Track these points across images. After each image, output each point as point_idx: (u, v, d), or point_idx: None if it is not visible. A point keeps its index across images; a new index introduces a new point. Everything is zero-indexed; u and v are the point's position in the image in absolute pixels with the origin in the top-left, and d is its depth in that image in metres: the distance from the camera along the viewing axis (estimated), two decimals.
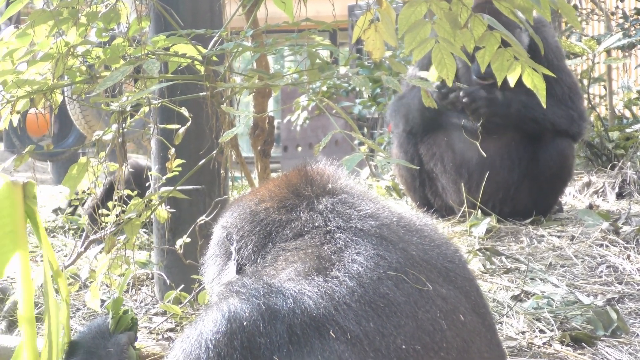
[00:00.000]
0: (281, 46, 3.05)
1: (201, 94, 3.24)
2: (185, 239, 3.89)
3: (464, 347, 2.20)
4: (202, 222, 3.86)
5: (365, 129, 10.45)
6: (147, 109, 3.51)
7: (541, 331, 3.78)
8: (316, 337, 2.03)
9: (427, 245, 2.34)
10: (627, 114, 9.14)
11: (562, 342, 3.66)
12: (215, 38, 3.14)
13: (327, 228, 2.30)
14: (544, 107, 3.39)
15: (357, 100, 9.46)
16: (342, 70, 9.76)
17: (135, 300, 4.31)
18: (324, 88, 8.60)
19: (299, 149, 14.48)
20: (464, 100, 5.62)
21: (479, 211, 5.59)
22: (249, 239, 2.43)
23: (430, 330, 2.14)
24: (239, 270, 2.41)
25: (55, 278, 2.50)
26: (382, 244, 2.23)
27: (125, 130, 3.48)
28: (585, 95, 8.11)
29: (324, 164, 2.58)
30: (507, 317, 3.89)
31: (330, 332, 2.04)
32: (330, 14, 3.53)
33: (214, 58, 3.18)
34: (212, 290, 2.59)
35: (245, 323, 2.04)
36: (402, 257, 2.22)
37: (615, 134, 7.47)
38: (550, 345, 3.63)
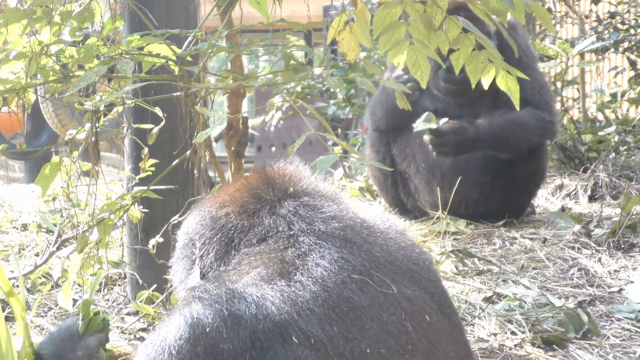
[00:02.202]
0: (256, 47, 3.04)
1: (175, 94, 3.24)
2: (158, 238, 3.88)
3: (430, 348, 2.20)
4: (175, 222, 3.85)
5: (340, 130, 10.45)
6: (120, 108, 3.50)
7: (513, 333, 3.79)
8: (279, 342, 2.03)
9: (392, 247, 2.34)
10: (600, 117, 9.19)
11: (533, 344, 3.68)
12: (189, 38, 3.13)
13: (291, 232, 2.29)
14: (518, 109, 3.40)
15: (331, 101, 9.46)
16: (317, 70, 9.77)
17: (108, 300, 4.29)
18: (299, 89, 8.59)
19: (273, 148, 14.47)
20: (429, 143, 5.61)
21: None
22: (211, 246, 2.42)
23: (395, 332, 2.14)
24: (203, 276, 2.40)
25: (8, 298, 2.49)
26: (346, 247, 2.23)
27: (98, 129, 3.47)
28: (559, 98, 8.14)
29: (284, 165, 2.57)
30: (479, 318, 3.91)
31: (293, 338, 2.04)
32: (305, 14, 3.53)
33: (189, 58, 3.17)
34: (179, 295, 2.59)
35: (208, 329, 2.03)
36: (367, 259, 2.22)
37: (588, 137, 7.50)
38: (522, 347, 3.65)
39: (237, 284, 2.14)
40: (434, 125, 5.48)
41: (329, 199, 2.44)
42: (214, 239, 2.41)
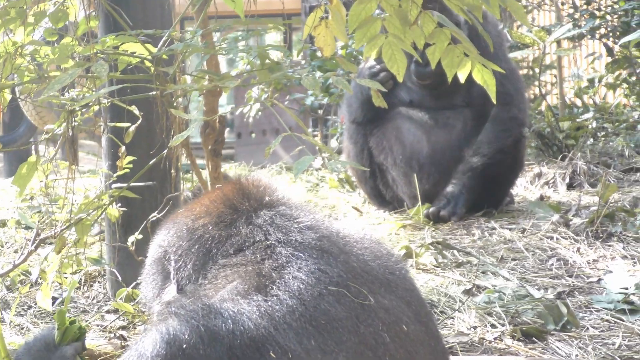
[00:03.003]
0: (232, 49, 3.03)
1: (151, 93, 3.22)
2: (137, 235, 3.87)
3: (407, 358, 2.20)
4: (154, 218, 3.85)
5: (318, 120, 10.44)
6: (96, 107, 3.48)
7: (492, 326, 3.80)
8: (256, 357, 2.02)
9: (368, 257, 2.34)
10: (578, 102, 9.22)
11: (513, 337, 3.69)
12: (164, 38, 3.12)
13: (268, 242, 2.29)
14: (494, 102, 3.40)
15: (309, 92, 9.45)
16: (296, 60, 9.75)
17: (87, 297, 4.28)
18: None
19: (253, 135, 14.44)
20: (435, 213, 5.66)
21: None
22: (188, 257, 2.41)
23: (373, 344, 2.14)
24: (180, 289, 2.39)
25: None
26: (323, 257, 2.22)
27: (76, 124, 3.45)
28: (537, 83, 8.16)
29: (258, 176, 2.57)
30: (458, 312, 3.91)
31: (271, 353, 2.03)
32: (283, 1, 3.52)
33: (164, 56, 3.16)
34: (152, 310, 2.56)
35: (184, 346, 2.02)
36: (344, 270, 2.22)
37: (566, 124, 7.53)
38: (502, 340, 3.66)
39: (214, 298, 2.13)
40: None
41: (304, 209, 2.44)
42: (192, 250, 2.40)
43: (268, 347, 2.03)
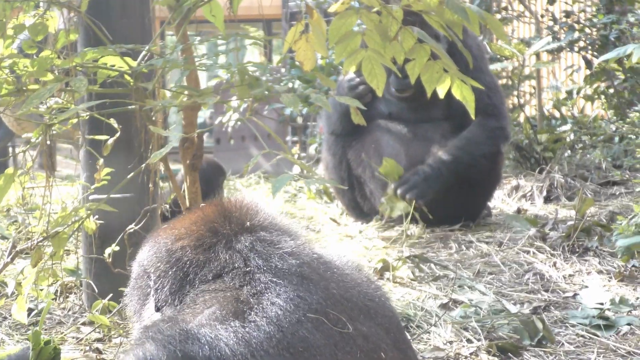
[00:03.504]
0: (212, 65, 3.04)
1: (130, 106, 3.22)
2: (114, 247, 3.86)
3: None
4: (131, 230, 3.84)
5: (297, 129, 10.45)
6: (75, 120, 3.47)
7: (468, 341, 3.81)
8: None
9: (348, 284, 2.33)
10: (557, 114, 9.25)
11: (488, 352, 3.69)
12: (143, 52, 3.12)
13: (247, 269, 2.28)
14: (473, 118, 3.42)
15: None
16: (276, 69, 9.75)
17: (63, 309, 4.27)
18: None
19: (232, 141, 14.42)
20: (401, 195, 5.63)
21: (409, 217, 5.62)
22: (166, 279, 2.40)
23: None
24: (158, 309, 2.39)
25: None
26: (303, 284, 2.22)
27: (54, 132, 3.44)
28: (515, 93, 8.19)
29: (241, 198, 2.56)
30: (435, 326, 3.92)
31: None
32: (264, 4, 3.52)
33: (144, 70, 3.16)
34: (134, 327, 2.57)
35: None
36: (323, 296, 2.21)
37: (544, 137, 7.56)
38: (477, 356, 3.67)
39: (191, 324, 2.13)
40: None
41: (286, 234, 2.42)
42: (169, 273, 2.40)
43: None
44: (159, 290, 2.40)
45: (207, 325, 2.10)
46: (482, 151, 5.80)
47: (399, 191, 5.62)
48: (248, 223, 2.42)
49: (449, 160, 5.72)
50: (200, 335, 2.06)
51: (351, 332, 2.18)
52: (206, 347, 2.04)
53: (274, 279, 2.22)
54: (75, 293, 4.43)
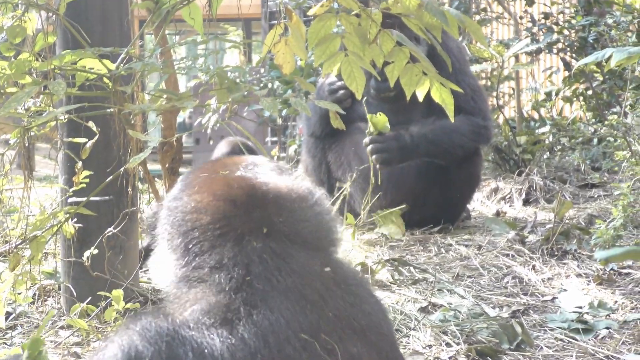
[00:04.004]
0: (191, 68, 3.03)
1: (109, 109, 3.21)
2: (93, 250, 3.85)
3: None
4: (110, 233, 3.83)
5: (277, 130, 10.44)
6: (53, 123, 3.46)
7: (448, 344, 3.81)
8: None
9: (349, 301, 2.28)
10: (536, 116, 9.27)
11: (467, 356, 3.70)
12: (122, 55, 3.10)
13: (248, 277, 2.21)
14: (452, 121, 3.42)
15: None
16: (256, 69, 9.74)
17: (42, 312, 4.24)
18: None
19: (211, 142, 14.42)
20: (371, 152, 5.59)
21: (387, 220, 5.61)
22: (175, 246, 2.34)
23: None
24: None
25: None
26: (299, 302, 2.18)
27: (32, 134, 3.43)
28: (494, 94, 8.21)
29: (274, 184, 2.40)
30: (414, 330, 3.92)
31: None
32: (244, 4, 3.51)
33: (123, 72, 3.15)
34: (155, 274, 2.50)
35: None
36: (317, 317, 2.17)
37: (522, 139, 7.57)
38: None
39: (180, 323, 2.10)
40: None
41: (306, 244, 2.32)
42: (175, 242, 2.35)
43: None
44: (170, 252, 2.37)
45: (195, 329, 2.08)
46: (463, 142, 5.77)
47: (370, 147, 5.58)
48: (265, 229, 2.30)
49: (430, 139, 5.69)
50: (187, 339, 2.05)
51: (339, 354, 2.16)
52: (190, 353, 2.03)
53: (272, 293, 2.18)
54: (53, 296, 4.41)
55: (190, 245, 2.32)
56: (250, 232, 2.29)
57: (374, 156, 5.54)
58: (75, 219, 3.78)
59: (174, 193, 2.47)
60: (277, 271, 2.22)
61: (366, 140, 5.60)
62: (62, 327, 4.04)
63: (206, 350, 2.04)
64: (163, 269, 2.38)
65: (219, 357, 2.04)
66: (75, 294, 4.07)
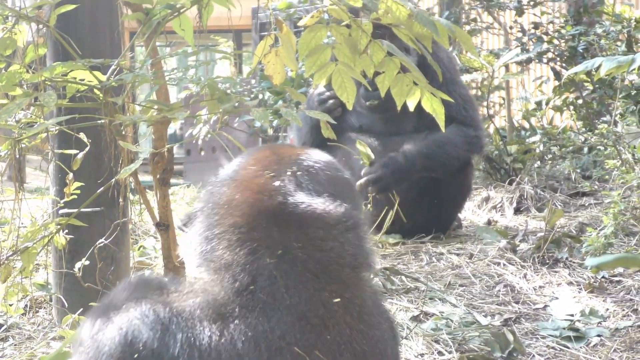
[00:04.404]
0: (182, 79, 3.03)
1: (100, 121, 3.21)
2: (84, 261, 3.85)
3: None
4: (102, 244, 3.83)
5: (268, 141, 10.43)
6: (44, 135, 3.46)
7: (440, 353, 3.82)
8: None
9: (357, 328, 2.24)
10: (526, 125, 9.29)
11: None
12: (113, 67, 3.11)
13: (253, 283, 2.19)
14: (443, 131, 3.43)
15: None
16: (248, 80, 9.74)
17: (33, 324, 4.24)
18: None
19: (202, 153, 14.41)
20: (365, 185, 5.60)
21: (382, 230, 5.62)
22: (200, 231, 2.37)
23: None
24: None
25: None
26: (300, 322, 2.16)
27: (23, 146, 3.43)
28: (485, 103, 8.22)
29: (328, 205, 2.36)
30: (406, 339, 3.92)
31: None
32: (234, 15, 3.52)
33: (113, 84, 3.15)
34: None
35: (139, 352, 2.09)
36: (314, 337, 2.16)
37: (513, 148, 7.59)
38: None
39: (177, 313, 2.15)
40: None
41: (320, 272, 2.27)
42: (200, 227, 2.37)
43: None
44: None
45: (189, 320, 2.13)
46: (457, 154, 5.79)
47: (362, 180, 5.59)
48: (285, 247, 2.27)
49: (426, 154, 5.71)
50: (180, 329, 2.10)
51: None
52: (179, 343, 2.09)
53: (273, 305, 2.17)
54: (45, 308, 4.41)
55: (211, 237, 2.33)
56: (266, 247, 2.27)
57: (369, 187, 5.56)
58: (66, 230, 3.78)
59: (226, 174, 2.48)
60: (284, 289, 2.21)
61: (361, 182, 5.61)
62: (53, 339, 4.04)
63: (196, 343, 2.08)
64: (188, 249, 2.40)
65: (206, 351, 2.08)
66: (66, 305, 4.07)
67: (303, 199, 2.35)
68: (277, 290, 2.20)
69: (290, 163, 2.45)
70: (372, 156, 5.63)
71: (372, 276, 2.52)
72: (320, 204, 2.35)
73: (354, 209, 2.44)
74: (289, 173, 2.41)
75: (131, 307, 2.16)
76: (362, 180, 5.58)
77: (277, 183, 2.37)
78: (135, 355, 2.07)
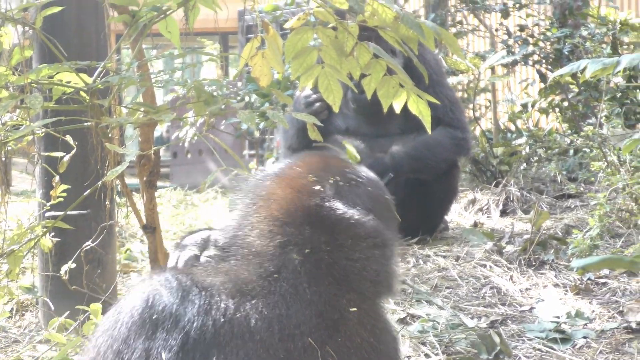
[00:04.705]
0: (168, 81, 3.03)
1: (86, 123, 3.20)
2: (71, 264, 3.84)
3: None
4: (88, 247, 3.82)
5: (254, 143, 10.45)
6: (30, 137, 3.45)
7: (426, 355, 3.82)
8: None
9: (367, 339, 2.29)
10: (512, 127, 9.31)
11: None
12: (99, 69, 3.10)
13: (277, 272, 2.28)
14: (429, 133, 3.43)
15: None
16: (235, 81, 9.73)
17: (19, 327, 4.23)
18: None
19: (189, 155, 14.40)
20: None
21: None
22: (239, 216, 2.47)
23: None
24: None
25: None
26: (317, 318, 2.25)
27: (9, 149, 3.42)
28: (471, 106, 8.24)
29: (353, 215, 2.43)
30: None
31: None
32: (221, 18, 3.52)
33: (99, 86, 3.14)
34: None
35: (160, 309, 2.18)
36: (326, 336, 2.23)
37: (499, 150, 7.61)
38: None
39: (197, 282, 2.23)
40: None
41: (341, 280, 2.34)
42: (239, 213, 2.48)
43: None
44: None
45: (208, 290, 2.21)
46: (445, 156, 5.81)
47: None
48: (314, 247, 2.35)
49: (413, 155, 5.72)
50: (197, 298, 2.19)
51: None
52: (195, 310, 2.16)
53: (294, 297, 2.25)
54: (31, 311, 4.40)
55: (245, 225, 2.43)
56: (295, 244, 2.35)
57: None
58: (52, 233, 3.77)
59: (272, 170, 2.58)
60: (307, 285, 2.28)
61: None
62: (40, 342, 4.03)
63: (212, 312, 2.16)
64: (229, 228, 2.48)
65: (219, 322, 2.15)
66: (53, 308, 4.06)
67: (339, 206, 2.42)
68: (300, 284, 2.27)
69: (334, 172, 2.54)
70: (359, 158, 5.62)
71: (390, 297, 2.59)
72: (354, 214, 2.42)
73: (387, 229, 2.52)
74: (331, 180, 2.49)
75: (155, 275, 2.27)
76: None
77: (317, 187, 2.45)
78: (155, 317, 2.16)
